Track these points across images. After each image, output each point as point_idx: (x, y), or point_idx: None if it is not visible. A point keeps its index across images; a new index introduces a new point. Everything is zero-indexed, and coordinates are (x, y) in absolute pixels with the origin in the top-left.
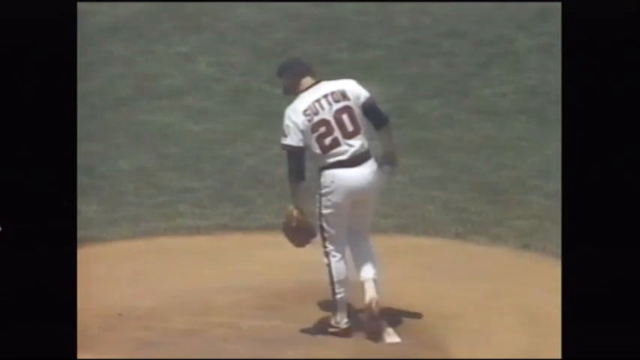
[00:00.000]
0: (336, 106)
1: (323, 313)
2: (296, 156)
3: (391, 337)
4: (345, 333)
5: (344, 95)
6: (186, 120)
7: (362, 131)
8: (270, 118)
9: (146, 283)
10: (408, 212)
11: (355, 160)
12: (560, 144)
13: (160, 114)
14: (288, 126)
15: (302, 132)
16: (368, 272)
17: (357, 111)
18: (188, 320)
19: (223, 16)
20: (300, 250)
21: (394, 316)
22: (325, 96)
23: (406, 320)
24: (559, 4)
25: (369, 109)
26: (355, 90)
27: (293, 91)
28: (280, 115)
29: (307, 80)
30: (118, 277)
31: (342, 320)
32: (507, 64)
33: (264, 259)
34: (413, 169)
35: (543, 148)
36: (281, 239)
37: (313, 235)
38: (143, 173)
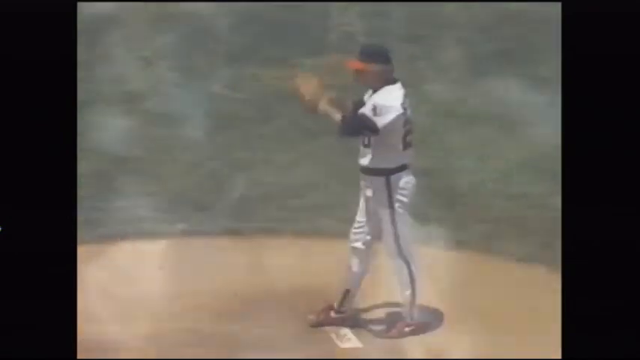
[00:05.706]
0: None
1: (287, 317)
2: (364, 132)
3: (352, 342)
4: (424, 327)
5: None
6: (147, 124)
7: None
8: (231, 123)
9: (105, 288)
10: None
11: None
12: (522, 149)
13: (120, 118)
14: (382, 107)
15: (392, 123)
16: None
17: None
18: (148, 325)
19: (185, 20)
20: (262, 254)
21: (355, 322)
22: (406, 96)
23: (367, 325)
24: (518, 7)
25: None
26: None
27: (372, 82)
28: (240, 120)
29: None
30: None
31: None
32: (468, 68)
33: (225, 264)
34: None
35: (504, 152)
36: (242, 244)
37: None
38: (102, 177)
